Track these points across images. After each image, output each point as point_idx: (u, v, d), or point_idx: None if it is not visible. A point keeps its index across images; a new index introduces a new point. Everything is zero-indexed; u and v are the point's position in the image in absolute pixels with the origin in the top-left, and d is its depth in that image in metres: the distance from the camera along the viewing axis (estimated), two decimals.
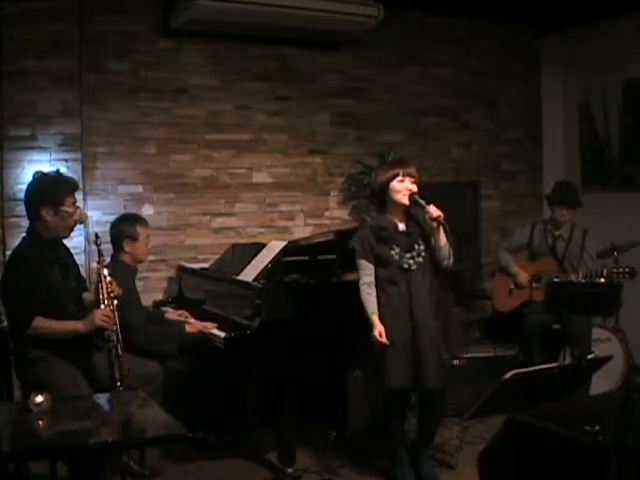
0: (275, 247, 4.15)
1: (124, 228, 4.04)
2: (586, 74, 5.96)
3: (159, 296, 4.87)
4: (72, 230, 3.46)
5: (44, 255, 3.32)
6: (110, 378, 3.32)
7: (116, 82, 4.83)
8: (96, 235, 3.53)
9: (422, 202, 3.42)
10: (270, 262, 4.04)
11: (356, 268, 3.58)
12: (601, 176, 5.92)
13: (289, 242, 4.30)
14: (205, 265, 4.81)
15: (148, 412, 2.78)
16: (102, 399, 3.01)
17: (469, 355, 4.50)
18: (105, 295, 3.38)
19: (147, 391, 3.18)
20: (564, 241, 4.68)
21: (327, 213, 5.56)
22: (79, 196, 3.64)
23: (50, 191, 3.32)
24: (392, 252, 3.48)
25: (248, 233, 5.25)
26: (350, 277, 3.91)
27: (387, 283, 3.50)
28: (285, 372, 3.67)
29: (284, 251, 4.11)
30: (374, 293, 3.49)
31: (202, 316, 4.16)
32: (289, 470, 3.74)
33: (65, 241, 3.55)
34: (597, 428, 2.13)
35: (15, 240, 3.94)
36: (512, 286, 4.81)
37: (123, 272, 3.88)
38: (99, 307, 3.35)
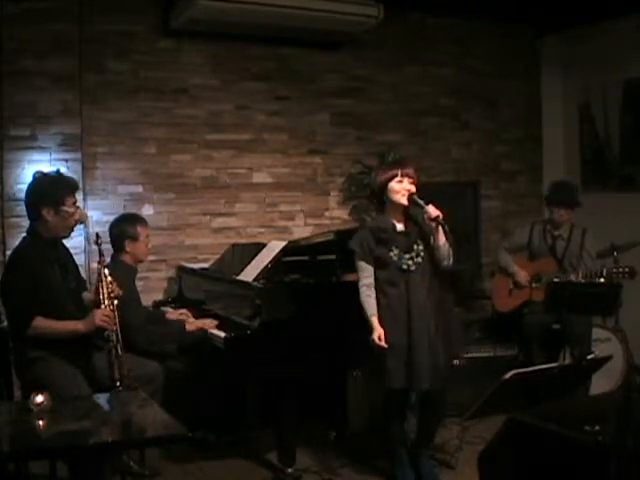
0: (275, 247, 4.15)
1: (125, 228, 4.04)
2: (586, 74, 5.96)
3: (159, 296, 4.87)
4: (72, 230, 3.47)
5: (44, 255, 3.32)
6: (110, 378, 3.32)
7: (116, 82, 4.83)
8: (97, 235, 3.53)
9: (421, 202, 3.41)
10: (270, 262, 4.04)
11: (356, 269, 3.58)
12: (601, 176, 5.92)
13: (289, 242, 4.30)
14: (205, 265, 4.81)
15: (148, 412, 2.78)
16: (102, 399, 3.01)
17: (469, 355, 4.50)
18: (105, 295, 3.38)
19: (147, 391, 3.18)
20: (563, 241, 4.68)
21: (327, 213, 5.56)
22: (79, 196, 3.63)
23: (50, 191, 3.32)
24: (391, 253, 3.47)
25: (248, 233, 5.25)
26: (350, 277, 3.90)
27: (386, 285, 3.49)
28: (285, 372, 3.67)
29: (284, 251, 4.11)
30: (374, 295, 3.49)
31: (202, 316, 4.16)
32: (289, 470, 3.74)
33: (65, 241, 3.55)
34: (597, 428, 2.13)
35: (15, 240, 3.94)
36: (512, 286, 4.81)
37: (123, 272, 3.88)
38: (99, 307, 3.36)
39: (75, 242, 4.29)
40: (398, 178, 3.47)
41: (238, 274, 4.12)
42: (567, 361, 4.23)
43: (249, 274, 4.04)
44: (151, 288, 4.86)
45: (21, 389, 3.38)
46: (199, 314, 4.21)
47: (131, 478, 3.58)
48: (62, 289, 3.36)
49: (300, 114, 5.44)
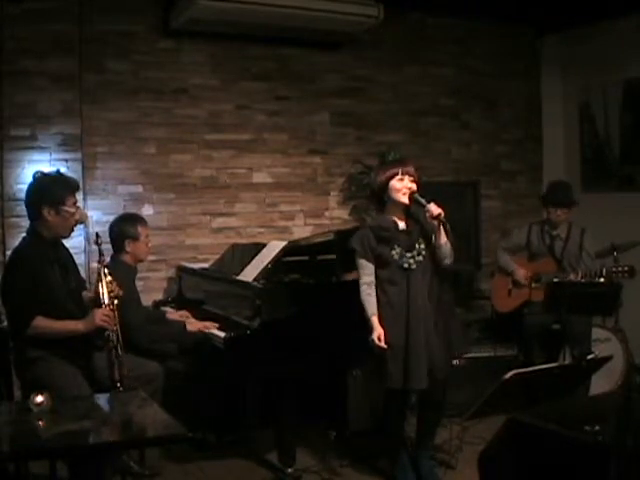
0: (275, 247, 4.15)
1: (125, 228, 4.04)
2: (586, 74, 5.96)
3: (159, 296, 4.87)
4: (73, 230, 3.46)
5: (44, 255, 3.32)
6: (110, 378, 3.32)
7: (116, 82, 4.83)
8: (97, 235, 3.53)
9: (422, 200, 3.42)
10: (270, 262, 4.04)
11: (356, 268, 3.58)
12: (601, 176, 5.92)
13: (289, 242, 4.30)
14: (205, 265, 4.80)
15: (148, 412, 2.78)
16: (102, 399, 3.01)
17: (469, 355, 4.50)
18: (105, 295, 3.39)
19: (147, 391, 3.18)
20: (561, 241, 4.67)
21: (327, 213, 5.55)
22: (79, 196, 3.63)
23: (51, 191, 3.32)
24: (393, 252, 3.47)
25: (248, 233, 5.25)
26: (350, 277, 3.91)
27: (387, 283, 3.49)
28: (285, 372, 3.67)
29: (284, 251, 4.11)
30: (374, 293, 3.49)
31: (202, 316, 4.16)
32: (289, 470, 3.74)
33: (65, 241, 3.55)
34: (597, 428, 2.13)
35: (15, 240, 3.94)
36: (511, 286, 4.81)
37: (123, 272, 3.88)
38: (99, 307, 3.36)
39: (75, 242, 4.29)
40: (399, 177, 3.47)
41: (238, 274, 4.12)
42: (567, 361, 4.23)
43: (249, 274, 4.04)
44: (151, 288, 4.86)
45: (21, 389, 3.38)
46: (199, 314, 4.21)
47: (131, 478, 3.58)
48: (62, 289, 3.36)
49: (300, 114, 5.44)
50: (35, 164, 4.44)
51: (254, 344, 3.65)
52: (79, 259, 4.12)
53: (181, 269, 4.83)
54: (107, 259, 3.71)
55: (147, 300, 4.52)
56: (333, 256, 4.15)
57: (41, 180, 3.40)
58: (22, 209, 3.51)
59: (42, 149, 4.61)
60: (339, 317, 3.71)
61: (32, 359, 3.26)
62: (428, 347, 3.41)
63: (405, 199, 3.46)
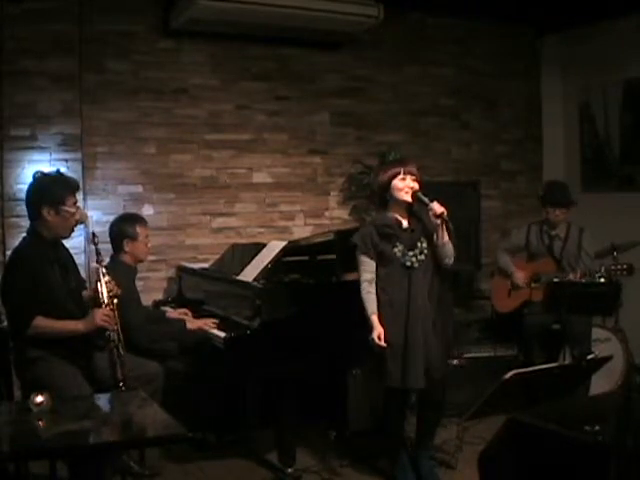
0: (275, 247, 4.15)
1: (124, 228, 4.04)
2: (586, 74, 5.96)
3: (159, 296, 4.87)
4: (73, 230, 3.47)
5: (44, 255, 3.32)
6: (112, 378, 3.33)
7: (116, 82, 4.83)
8: (93, 234, 3.53)
9: (425, 199, 3.42)
10: (270, 262, 4.04)
11: (356, 268, 3.58)
12: (601, 176, 5.92)
13: (289, 242, 4.30)
14: (205, 265, 4.80)
15: (148, 412, 2.78)
16: (102, 399, 3.02)
17: (469, 355, 4.50)
18: (105, 295, 3.39)
19: (147, 391, 3.18)
20: (561, 240, 4.67)
21: (327, 213, 5.55)
22: (79, 196, 3.63)
23: (51, 191, 3.32)
24: (395, 250, 3.47)
25: (248, 233, 5.25)
26: (350, 277, 3.90)
27: (388, 282, 3.49)
28: (285, 372, 3.67)
29: (284, 251, 4.11)
30: (374, 292, 3.49)
31: (202, 316, 4.16)
32: (289, 470, 3.74)
33: (65, 241, 3.55)
34: (597, 428, 2.13)
35: (15, 240, 3.94)
36: (510, 287, 4.80)
37: (123, 272, 3.89)
38: (98, 306, 3.36)
39: (75, 242, 4.28)
40: (401, 176, 3.47)
41: (238, 274, 4.12)
42: (567, 361, 4.23)
43: (249, 274, 4.04)
44: (151, 288, 4.86)
45: (21, 389, 3.38)
46: (199, 314, 4.21)
47: (131, 478, 3.58)
48: (62, 289, 3.36)
49: (300, 114, 5.44)
50: (35, 164, 4.43)
51: (254, 344, 3.65)
52: (79, 259, 4.12)
53: (181, 269, 4.83)
54: (106, 259, 3.71)
55: (147, 300, 4.52)
56: (333, 256, 4.15)
57: (41, 180, 3.40)
58: (22, 209, 3.51)
59: (42, 149, 4.61)
60: (339, 317, 3.71)
61: (32, 359, 3.26)
62: (426, 347, 3.41)
63: (408, 197, 3.46)
